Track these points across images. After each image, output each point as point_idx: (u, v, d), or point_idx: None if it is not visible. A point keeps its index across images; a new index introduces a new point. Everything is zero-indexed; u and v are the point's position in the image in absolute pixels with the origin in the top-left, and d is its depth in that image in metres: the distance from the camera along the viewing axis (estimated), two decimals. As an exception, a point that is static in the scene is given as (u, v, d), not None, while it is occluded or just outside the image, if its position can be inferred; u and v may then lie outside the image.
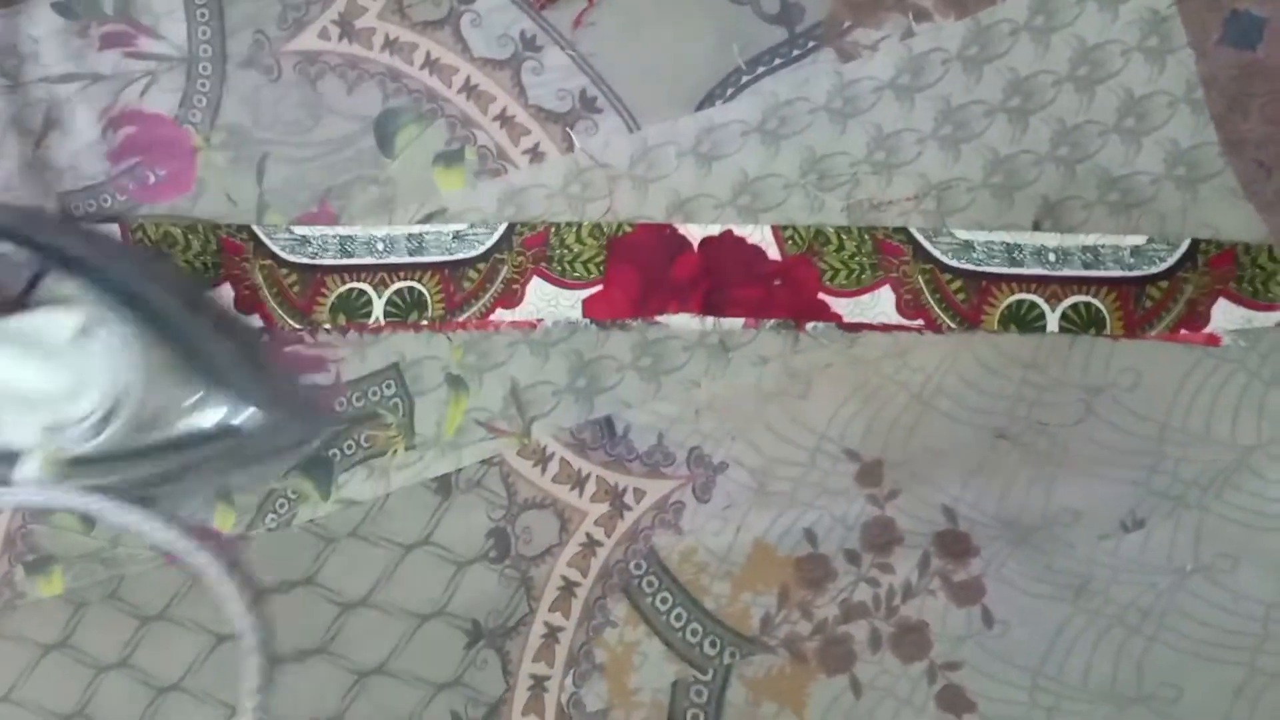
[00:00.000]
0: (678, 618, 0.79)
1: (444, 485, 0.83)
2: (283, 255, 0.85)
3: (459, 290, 0.84)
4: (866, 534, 0.78)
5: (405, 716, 0.81)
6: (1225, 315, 0.80)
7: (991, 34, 0.82)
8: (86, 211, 0.88)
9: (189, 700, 0.84)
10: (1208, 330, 0.79)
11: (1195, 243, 0.80)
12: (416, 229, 0.85)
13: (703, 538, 0.80)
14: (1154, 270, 0.81)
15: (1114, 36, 0.82)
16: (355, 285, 0.84)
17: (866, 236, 0.83)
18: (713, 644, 0.78)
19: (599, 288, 0.84)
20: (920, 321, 0.80)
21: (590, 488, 0.81)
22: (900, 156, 0.82)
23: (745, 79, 0.84)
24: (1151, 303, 0.80)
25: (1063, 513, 0.76)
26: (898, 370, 0.79)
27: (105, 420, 0.62)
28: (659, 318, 0.83)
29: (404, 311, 0.85)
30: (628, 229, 0.83)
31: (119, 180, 0.89)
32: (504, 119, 0.86)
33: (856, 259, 0.83)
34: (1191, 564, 0.75)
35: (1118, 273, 0.81)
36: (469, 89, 0.87)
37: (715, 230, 0.84)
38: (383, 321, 0.85)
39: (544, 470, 0.82)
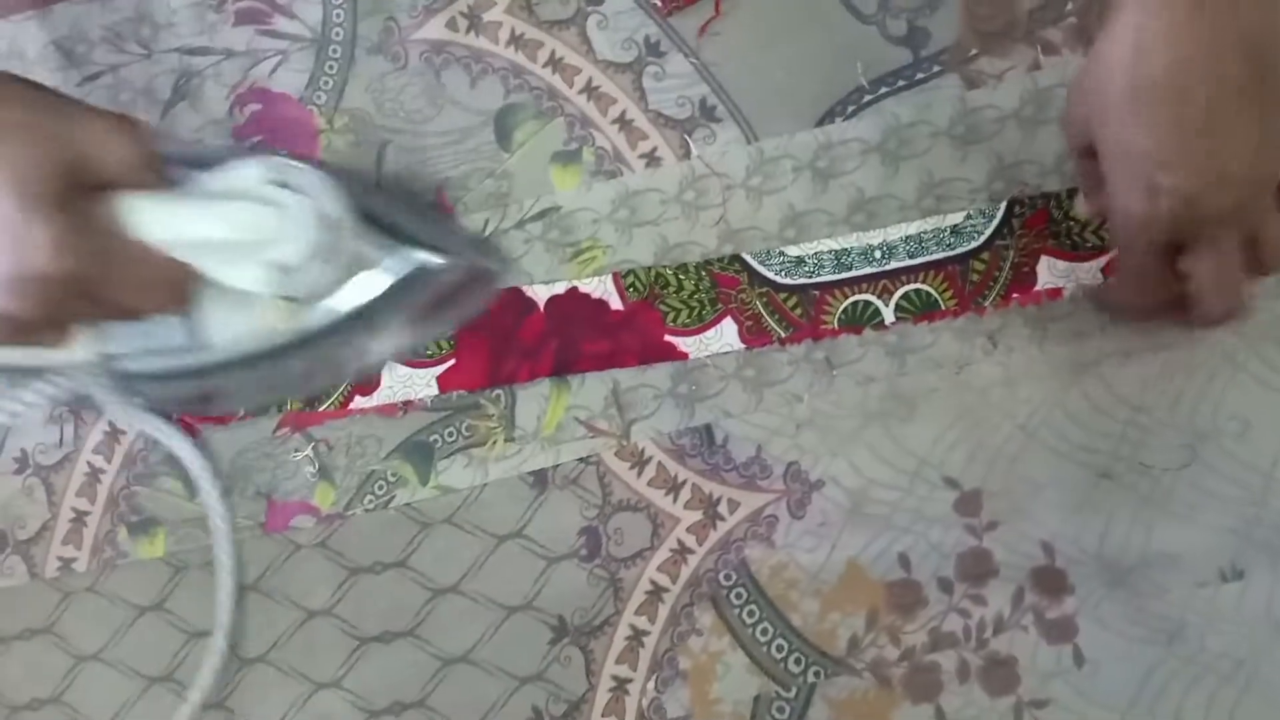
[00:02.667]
0: (764, 632, 0.76)
1: (540, 480, 0.80)
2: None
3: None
4: (961, 563, 0.74)
5: (487, 707, 0.79)
6: (1050, 271, 0.77)
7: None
8: (210, 184, 0.85)
9: (273, 673, 0.82)
10: (1038, 288, 0.77)
11: (1010, 209, 0.78)
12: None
13: (795, 554, 0.76)
14: (974, 245, 0.78)
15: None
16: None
17: (704, 273, 0.81)
18: (797, 661, 0.75)
19: (451, 362, 0.83)
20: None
21: (685, 494, 0.78)
22: (1019, 185, 0.77)
23: (867, 98, 0.81)
24: (978, 275, 0.78)
25: (1161, 557, 0.72)
26: (1004, 400, 0.75)
27: (317, 260, 0.60)
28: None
29: None
30: None
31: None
32: (623, 122, 0.83)
33: (696, 296, 0.81)
34: (1290, 619, 0.70)
35: (941, 254, 0.78)
36: (590, 90, 0.84)
37: (560, 289, 0.82)
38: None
39: (640, 473, 0.79)
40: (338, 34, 0.88)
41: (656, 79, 0.84)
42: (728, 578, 0.77)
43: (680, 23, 0.85)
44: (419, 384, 0.82)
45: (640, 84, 0.84)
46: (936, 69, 0.80)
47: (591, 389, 0.80)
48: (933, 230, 0.79)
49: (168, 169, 0.60)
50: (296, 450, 0.84)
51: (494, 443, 0.81)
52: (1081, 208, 0.71)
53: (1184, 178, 0.60)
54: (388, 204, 0.66)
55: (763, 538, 0.77)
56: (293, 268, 0.61)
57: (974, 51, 0.80)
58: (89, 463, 0.87)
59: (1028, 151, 0.78)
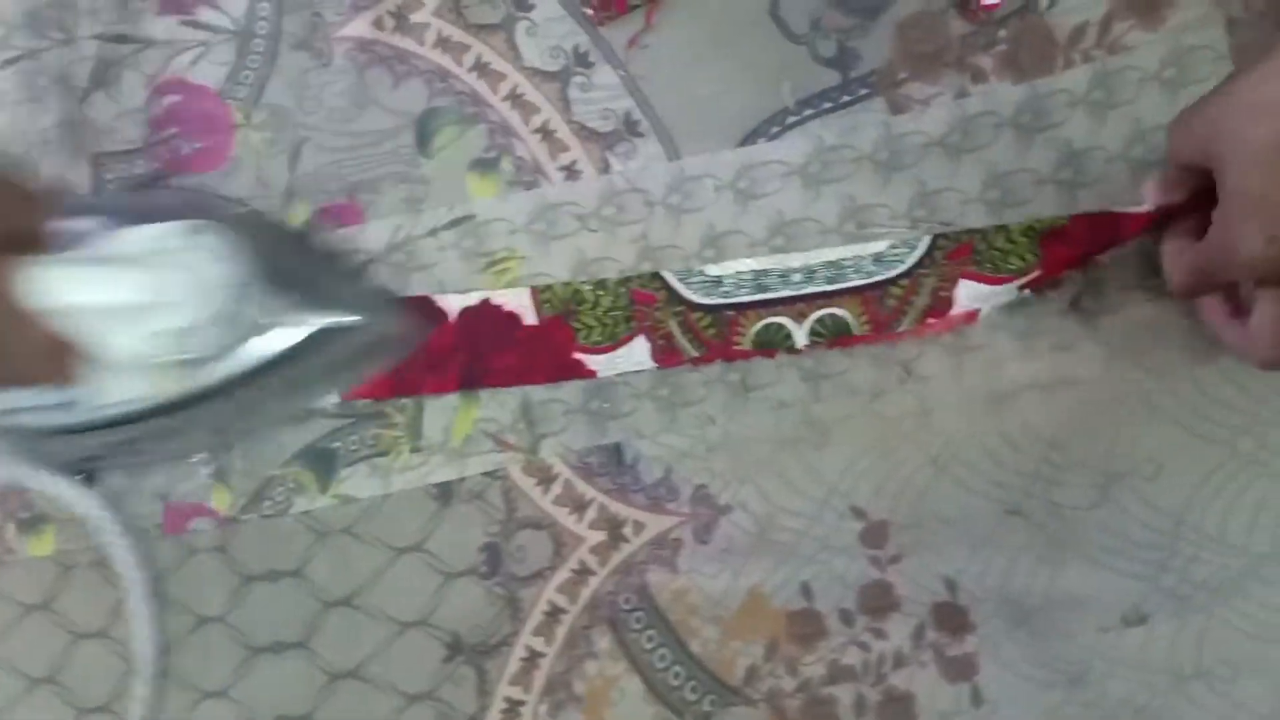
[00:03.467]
0: (661, 658, 0.73)
1: (444, 493, 0.77)
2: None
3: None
4: (864, 595, 0.72)
5: None
6: (968, 295, 0.75)
7: (1048, 103, 0.76)
8: (118, 176, 0.82)
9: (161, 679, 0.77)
10: (954, 312, 0.75)
11: (934, 241, 0.76)
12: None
13: (698, 579, 0.74)
14: (895, 272, 0.76)
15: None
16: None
17: (622, 290, 0.78)
18: (694, 689, 0.73)
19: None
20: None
21: (591, 514, 0.76)
22: (942, 215, 0.75)
23: (792, 119, 0.78)
24: (894, 301, 0.76)
25: (1066, 599, 0.70)
26: (917, 430, 0.72)
27: (212, 323, 0.59)
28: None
29: None
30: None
31: (155, 148, 0.83)
32: (545, 132, 0.81)
33: (611, 314, 0.78)
34: (1191, 668, 0.68)
35: (860, 281, 0.76)
36: (514, 97, 0.81)
37: (474, 300, 0.79)
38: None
39: (546, 490, 0.76)
40: (262, 27, 0.85)
41: (582, 90, 0.81)
42: (628, 601, 0.75)
43: (611, 34, 0.82)
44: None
45: (565, 94, 0.81)
46: (864, 92, 0.78)
47: (502, 402, 0.77)
48: (853, 257, 0.76)
49: (70, 221, 0.59)
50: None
51: (398, 453, 0.78)
52: (1150, 196, 0.70)
53: None
54: (301, 261, 0.63)
55: (666, 562, 0.75)
56: (187, 332, 0.59)
57: (903, 75, 0.78)
58: (-20, 456, 0.83)
59: (952, 180, 0.76)
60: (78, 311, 0.59)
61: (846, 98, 0.78)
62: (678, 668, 0.74)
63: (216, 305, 0.59)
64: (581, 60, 0.82)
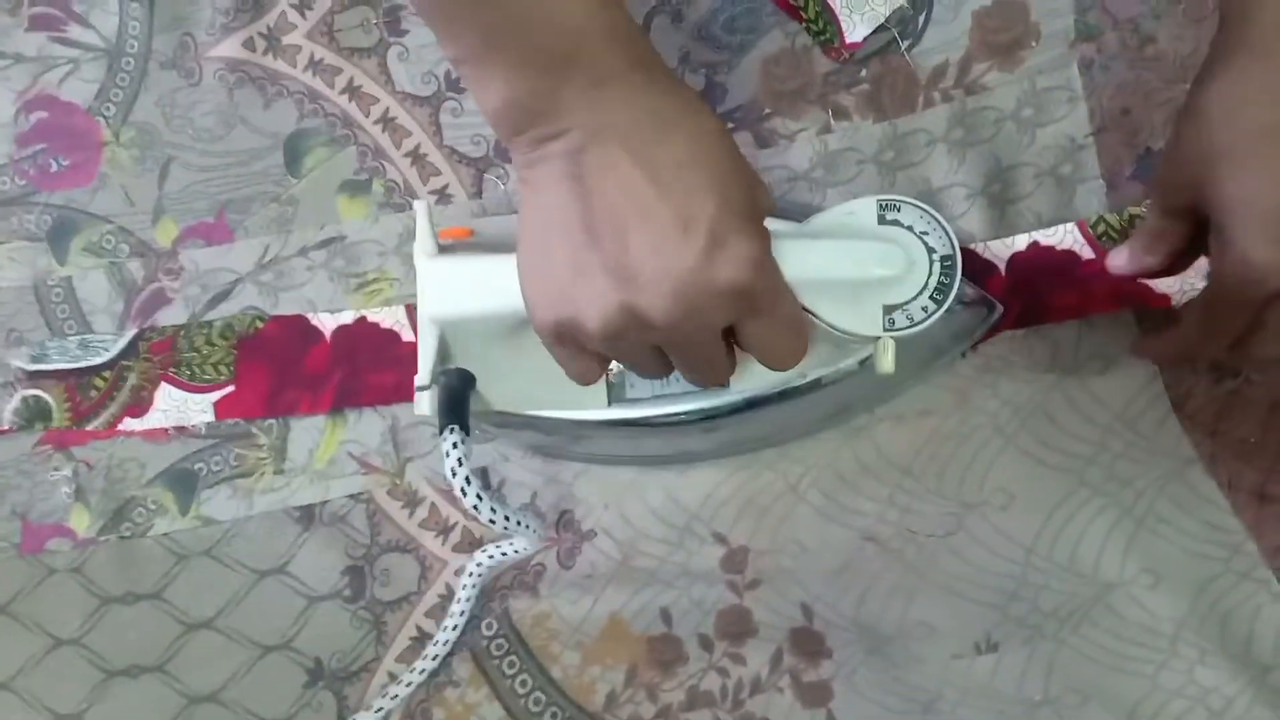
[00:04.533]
0: (523, 684, 0.72)
1: (307, 515, 0.75)
2: None
3: (85, 399, 0.78)
4: (722, 621, 0.70)
5: None
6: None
7: (908, 142, 0.75)
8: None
9: (15, 701, 0.75)
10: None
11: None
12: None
13: (559, 604, 0.72)
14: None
15: (1029, 160, 0.74)
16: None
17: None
18: (554, 715, 0.71)
19: (230, 388, 0.78)
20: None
21: (455, 537, 0.73)
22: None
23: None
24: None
25: (919, 626, 0.69)
26: (776, 459, 0.71)
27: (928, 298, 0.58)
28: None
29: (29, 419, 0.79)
30: (259, 324, 0.77)
31: (21, 164, 0.80)
32: (416, 156, 0.79)
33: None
34: (1040, 695, 0.68)
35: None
36: (386, 121, 0.79)
37: (348, 318, 0.78)
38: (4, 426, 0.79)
39: (412, 514, 0.75)
40: (132, 46, 0.82)
41: (454, 115, 0.79)
42: (489, 626, 0.72)
43: None
44: (194, 409, 0.77)
45: (437, 119, 0.79)
46: (729, 126, 0.76)
47: (369, 424, 0.75)
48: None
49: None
50: (55, 469, 0.77)
51: (262, 474, 0.75)
52: (1121, 261, 0.66)
53: None
54: None
55: (529, 587, 0.73)
56: (907, 306, 0.58)
57: (768, 110, 0.76)
58: None
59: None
60: (813, 285, 0.57)
61: (714, 130, 0.76)
62: (538, 694, 0.72)
63: (932, 281, 0.57)
64: (454, 85, 0.81)
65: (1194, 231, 0.61)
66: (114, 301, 0.80)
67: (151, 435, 0.78)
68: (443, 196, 0.78)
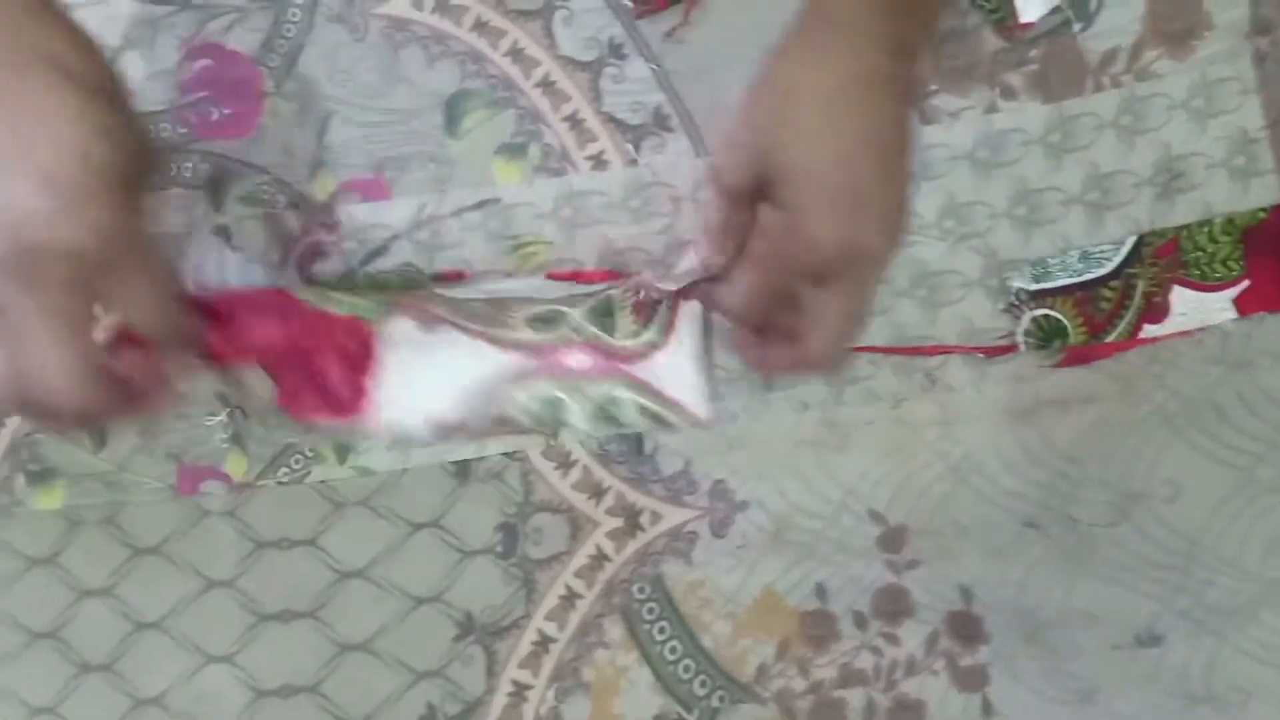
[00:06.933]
0: (673, 650, 0.67)
1: (463, 470, 0.71)
2: None
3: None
4: (879, 600, 0.66)
5: (380, 699, 0.70)
6: (1183, 303, 0.69)
7: (1075, 125, 0.70)
8: (147, 136, 0.73)
9: (166, 641, 0.70)
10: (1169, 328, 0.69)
11: (1140, 237, 0.70)
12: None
13: (712, 573, 0.68)
14: (1103, 271, 0.70)
15: (1200, 149, 0.67)
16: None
17: None
18: (703, 684, 0.66)
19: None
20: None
21: (608, 501, 0.69)
22: (971, 227, 0.67)
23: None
24: (1108, 304, 0.69)
25: (1079, 615, 0.64)
26: (938, 439, 0.67)
27: None
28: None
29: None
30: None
31: (183, 111, 0.74)
32: (574, 121, 0.75)
33: None
34: (1202, 690, 0.61)
35: (1067, 280, 0.70)
36: (546, 84, 0.74)
37: None
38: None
39: (565, 475, 0.70)
40: (300, -3, 0.76)
41: (614, 81, 0.74)
42: (642, 590, 0.69)
43: (647, 27, 0.76)
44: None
45: (597, 84, 0.74)
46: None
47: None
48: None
49: None
50: (211, 415, 0.71)
51: (419, 428, 0.69)
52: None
53: None
54: None
55: (682, 554, 0.69)
56: None
57: (934, 88, 0.70)
58: (-7, 405, 0.74)
59: (980, 193, 0.70)
60: None
61: (882, 106, 0.71)
62: (688, 661, 0.68)
63: None
64: (615, 52, 0.75)
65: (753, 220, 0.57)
66: (270, 251, 0.75)
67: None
68: (598, 163, 0.74)
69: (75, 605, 0.72)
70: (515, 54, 0.76)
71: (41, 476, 0.74)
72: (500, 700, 0.69)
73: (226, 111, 0.77)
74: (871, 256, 0.53)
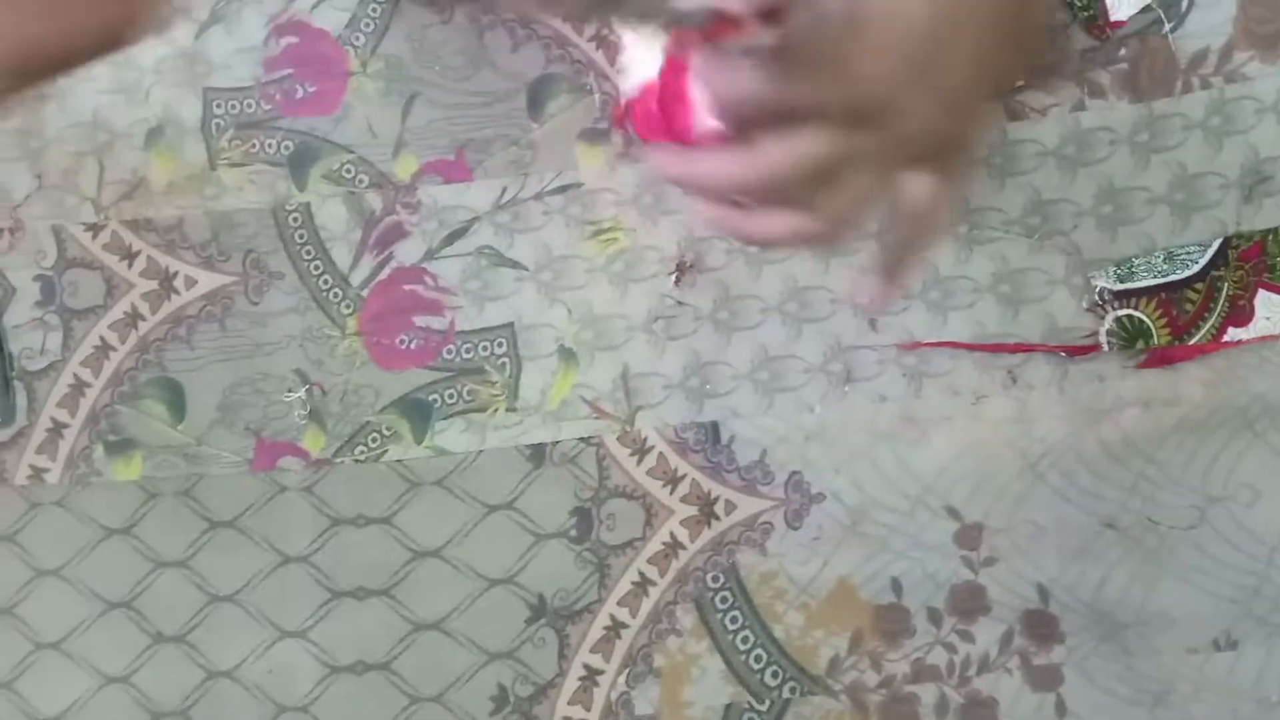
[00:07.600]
0: (744, 640, 0.67)
1: (538, 454, 0.70)
2: None
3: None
4: (954, 596, 0.65)
5: (452, 678, 0.70)
6: (1267, 306, 0.68)
7: (1163, 125, 0.68)
8: (229, 113, 0.73)
9: (240, 614, 0.70)
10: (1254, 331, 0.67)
11: (1225, 240, 0.69)
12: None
13: (786, 564, 0.67)
14: (1188, 273, 0.68)
15: (1290, 153, 0.67)
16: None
17: None
18: (775, 674, 0.66)
19: None
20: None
21: (683, 489, 0.68)
22: (1055, 224, 0.66)
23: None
24: (1192, 306, 0.68)
25: (1157, 616, 0.63)
26: (1017, 437, 0.66)
27: None
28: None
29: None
30: None
31: (268, 88, 0.75)
32: (659, 108, 0.71)
33: None
34: (1278, 696, 0.60)
35: (1152, 280, 0.69)
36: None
37: None
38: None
39: (640, 461, 0.69)
40: (388, -23, 0.76)
41: (700, 68, 0.72)
42: (715, 579, 0.68)
43: None
44: None
45: (687, 71, 0.72)
46: (987, 96, 0.69)
47: (601, 369, 0.70)
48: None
49: None
50: (290, 390, 0.72)
51: (495, 410, 0.71)
52: None
53: None
54: None
55: (756, 544, 0.68)
56: None
57: (1021, 84, 0.69)
58: (75, 374, 0.74)
59: (1066, 190, 0.69)
60: None
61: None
62: (759, 650, 0.68)
63: None
64: (703, 39, 0.73)
65: None
66: (351, 230, 0.75)
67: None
68: (682, 149, 0.72)
69: (151, 576, 0.73)
70: (600, 39, 0.76)
71: (120, 447, 0.74)
72: (571, 684, 0.69)
73: (311, 89, 0.78)
74: (929, 129, 0.39)
